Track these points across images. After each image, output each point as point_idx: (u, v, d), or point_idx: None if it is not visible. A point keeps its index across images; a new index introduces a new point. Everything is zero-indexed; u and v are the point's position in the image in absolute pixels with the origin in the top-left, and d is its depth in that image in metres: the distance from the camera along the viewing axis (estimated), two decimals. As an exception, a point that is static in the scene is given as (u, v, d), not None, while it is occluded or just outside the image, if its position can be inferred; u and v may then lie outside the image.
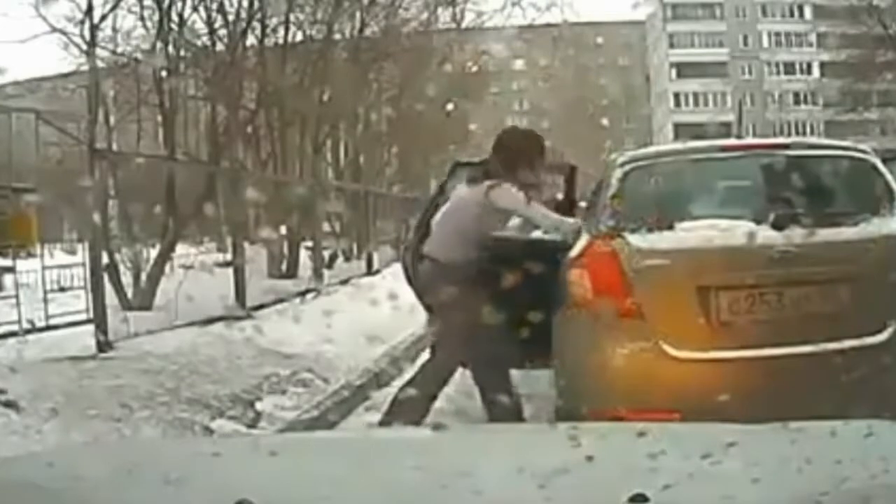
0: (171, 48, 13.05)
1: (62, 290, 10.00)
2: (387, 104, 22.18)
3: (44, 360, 7.00)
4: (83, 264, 8.88)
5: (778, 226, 4.22)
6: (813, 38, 58.70)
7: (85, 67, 13.69)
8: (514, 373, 5.78)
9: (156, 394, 5.79)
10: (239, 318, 8.59)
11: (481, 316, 4.41)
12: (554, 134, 61.13)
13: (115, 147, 13.08)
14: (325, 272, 13.79)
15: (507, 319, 4.38)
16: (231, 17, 14.18)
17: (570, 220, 5.03)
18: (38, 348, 7.43)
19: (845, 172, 4.84)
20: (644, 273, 4.24)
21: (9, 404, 5.19)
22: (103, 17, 12.95)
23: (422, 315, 10.10)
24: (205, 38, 14.52)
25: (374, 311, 9.54)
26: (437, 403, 6.33)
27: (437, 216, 5.32)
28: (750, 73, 62.48)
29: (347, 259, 16.36)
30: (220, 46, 14.48)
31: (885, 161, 4.86)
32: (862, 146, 5.01)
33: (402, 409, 5.04)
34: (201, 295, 9.07)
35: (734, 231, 4.27)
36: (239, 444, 2.49)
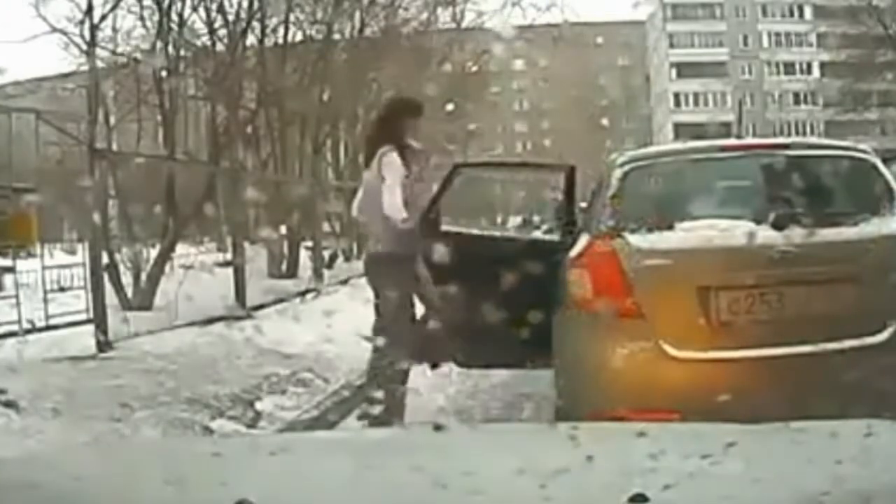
0: (171, 48, 13.06)
1: (62, 289, 9.99)
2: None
3: (44, 360, 7.00)
4: (83, 264, 8.88)
5: (778, 226, 4.22)
6: (813, 38, 58.72)
7: (85, 67, 13.68)
8: (514, 373, 5.81)
9: (156, 394, 5.79)
10: (239, 318, 8.60)
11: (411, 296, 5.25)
12: (554, 134, 61.32)
13: (115, 147, 13.08)
14: (325, 272, 13.79)
15: (496, 318, 4.42)
16: (231, 17, 14.19)
17: (400, 216, 5.21)
18: (38, 348, 7.43)
19: (845, 172, 4.84)
20: (644, 273, 4.24)
21: (9, 404, 5.19)
22: (103, 17, 12.96)
23: (420, 314, 10.11)
24: (205, 38, 14.53)
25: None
26: (438, 402, 6.35)
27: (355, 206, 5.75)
28: (750, 73, 62.50)
29: (347, 259, 16.36)
30: (220, 46, 14.49)
31: (885, 161, 4.86)
32: (862, 146, 5.01)
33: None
34: (201, 295, 9.07)
35: (734, 231, 4.27)
36: (239, 444, 2.49)
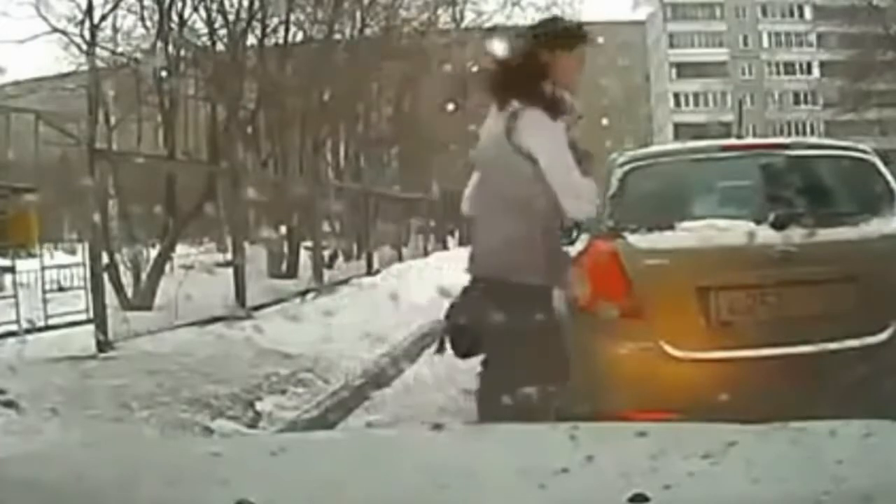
0: (171, 48, 13.07)
1: (62, 289, 10.00)
2: (387, 104, 22.19)
3: (44, 360, 7.00)
4: (83, 264, 8.88)
5: (778, 226, 4.21)
6: (813, 38, 58.69)
7: (85, 67, 13.70)
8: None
9: (156, 394, 5.79)
10: (239, 318, 8.59)
11: None
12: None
13: (115, 147, 13.08)
14: (325, 272, 13.79)
15: None
16: (231, 17, 14.20)
17: (590, 212, 3.56)
18: (38, 348, 7.43)
19: (845, 172, 4.83)
20: (644, 273, 4.23)
21: (9, 404, 5.19)
22: (103, 17, 13.01)
23: (420, 314, 10.12)
24: (205, 38, 14.54)
25: (374, 311, 9.55)
26: (438, 402, 6.35)
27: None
28: (750, 73, 62.47)
29: (347, 259, 16.36)
30: (220, 46, 14.50)
31: (886, 162, 4.86)
32: (862, 146, 5.01)
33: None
34: (201, 295, 9.07)
35: (734, 231, 4.27)
36: (239, 444, 2.49)
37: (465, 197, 3.70)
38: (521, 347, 3.19)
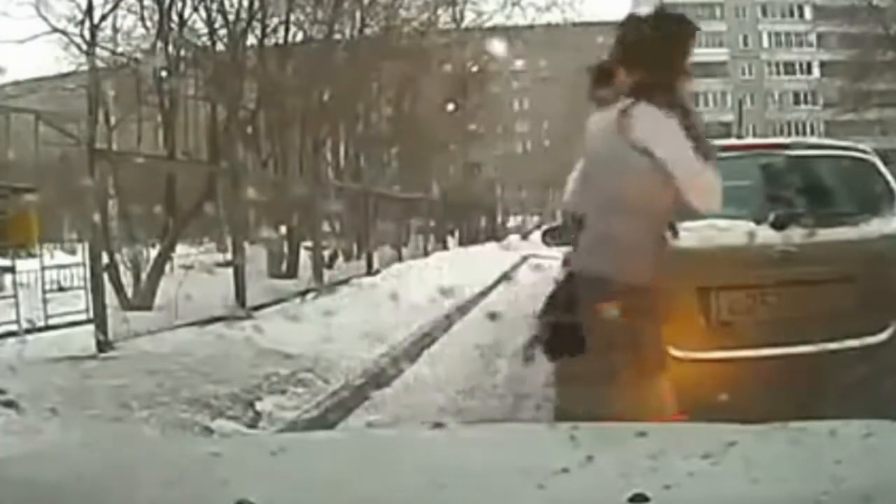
0: (171, 48, 13.07)
1: (62, 289, 10.00)
2: (387, 104, 22.20)
3: (44, 360, 7.00)
4: (83, 264, 8.88)
5: (778, 226, 4.21)
6: (813, 38, 58.68)
7: (85, 67, 13.71)
8: (514, 372, 5.78)
9: (156, 394, 5.79)
10: (239, 318, 8.59)
11: None
12: (554, 134, 61.25)
13: (115, 147, 13.07)
14: (325, 272, 13.79)
15: None
16: (231, 17, 14.20)
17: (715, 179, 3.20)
18: (38, 348, 7.43)
19: (845, 172, 4.84)
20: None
21: (9, 404, 5.19)
22: (103, 17, 13.01)
23: (420, 314, 10.13)
24: (205, 38, 14.54)
25: (374, 311, 9.56)
26: (438, 403, 6.35)
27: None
28: (750, 73, 62.44)
29: (347, 259, 16.37)
30: (220, 46, 14.50)
31: (886, 162, 4.86)
32: (862, 146, 5.01)
33: None
34: (201, 295, 9.08)
35: (734, 231, 4.27)
36: (239, 444, 2.49)
37: (568, 193, 3.61)
38: (623, 347, 3.15)
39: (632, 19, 3.37)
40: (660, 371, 3.24)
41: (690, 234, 4.32)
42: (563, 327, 3.29)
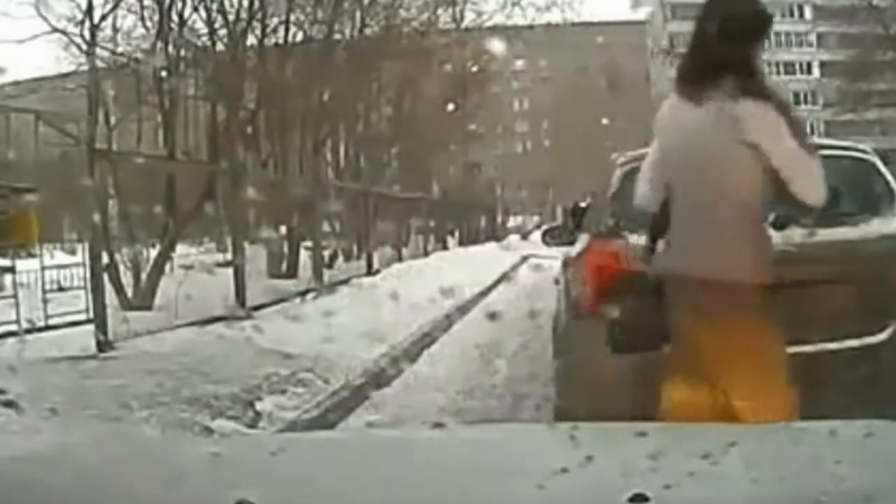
0: (171, 48, 13.06)
1: (62, 289, 10.00)
2: (387, 104, 22.20)
3: (44, 360, 7.00)
4: (83, 264, 8.88)
5: (778, 226, 4.21)
6: (813, 38, 58.70)
7: (85, 67, 13.71)
8: (513, 372, 5.77)
9: (156, 394, 5.79)
10: (239, 318, 8.60)
11: None
12: (554, 134, 61.27)
13: (115, 147, 13.08)
14: (325, 272, 13.79)
15: None
16: (231, 17, 14.20)
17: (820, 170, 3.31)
18: (38, 348, 7.43)
19: (845, 172, 4.83)
20: (644, 273, 4.23)
21: (9, 404, 5.19)
22: (103, 17, 13.01)
23: (420, 314, 10.13)
24: (205, 38, 14.54)
25: (374, 311, 9.56)
26: (438, 403, 6.35)
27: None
28: (750, 73, 62.42)
29: (347, 259, 16.37)
30: (220, 46, 14.50)
31: (886, 162, 4.86)
32: (862, 146, 5.00)
33: None
34: (201, 295, 9.08)
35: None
36: (239, 444, 2.49)
37: (642, 191, 3.56)
38: (743, 347, 3.13)
39: (729, 13, 3.31)
40: (782, 368, 3.20)
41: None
42: (642, 323, 3.35)
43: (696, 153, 3.25)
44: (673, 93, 3.40)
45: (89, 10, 12.24)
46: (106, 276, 8.70)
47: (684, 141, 3.29)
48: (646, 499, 1.25)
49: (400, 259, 17.40)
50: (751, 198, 3.22)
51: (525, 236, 31.25)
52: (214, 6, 14.08)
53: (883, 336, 4.10)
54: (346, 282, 13.20)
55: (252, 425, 5.52)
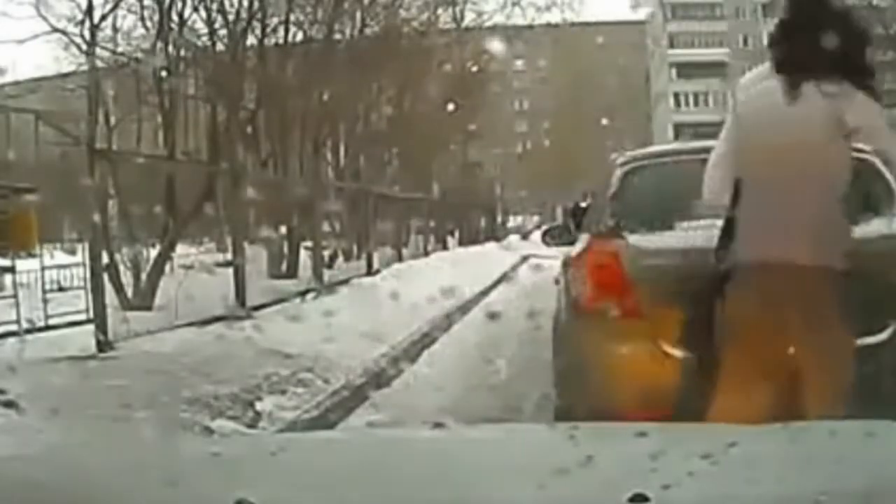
0: (171, 48, 13.06)
1: (62, 289, 9.99)
2: (387, 104, 22.20)
3: (44, 360, 7.00)
4: (83, 264, 8.88)
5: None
6: (813, 37, 58.64)
7: (85, 67, 13.70)
8: (513, 372, 5.77)
9: (156, 394, 5.79)
10: (239, 318, 8.60)
11: None
12: (554, 134, 61.26)
13: (115, 147, 13.08)
14: (325, 272, 13.79)
15: None
16: (231, 17, 14.19)
17: None
18: (38, 348, 7.43)
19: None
20: (644, 273, 4.23)
21: (9, 404, 5.19)
22: (103, 17, 12.99)
23: (420, 314, 10.13)
24: (205, 38, 14.54)
25: (374, 311, 9.56)
26: (438, 402, 6.35)
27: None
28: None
29: (347, 259, 16.36)
30: (220, 46, 14.50)
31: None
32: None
33: None
34: (201, 295, 9.08)
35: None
36: (239, 444, 2.49)
37: (712, 184, 3.64)
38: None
39: (836, 12, 3.39)
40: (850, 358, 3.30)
41: (691, 234, 4.32)
42: (700, 321, 3.43)
43: (799, 143, 3.28)
44: (760, 87, 3.43)
45: (89, 10, 12.23)
46: (106, 276, 8.70)
47: (783, 135, 3.31)
48: (646, 499, 1.25)
49: (400, 259, 17.39)
50: (842, 190, 3.31)
51: (525, 236, 31.28)
52: (214, 6, 14.08)
53: (883, 336, 4.10)
54: (346, 282, 13.20)
55: (252, 425, 5.52)
